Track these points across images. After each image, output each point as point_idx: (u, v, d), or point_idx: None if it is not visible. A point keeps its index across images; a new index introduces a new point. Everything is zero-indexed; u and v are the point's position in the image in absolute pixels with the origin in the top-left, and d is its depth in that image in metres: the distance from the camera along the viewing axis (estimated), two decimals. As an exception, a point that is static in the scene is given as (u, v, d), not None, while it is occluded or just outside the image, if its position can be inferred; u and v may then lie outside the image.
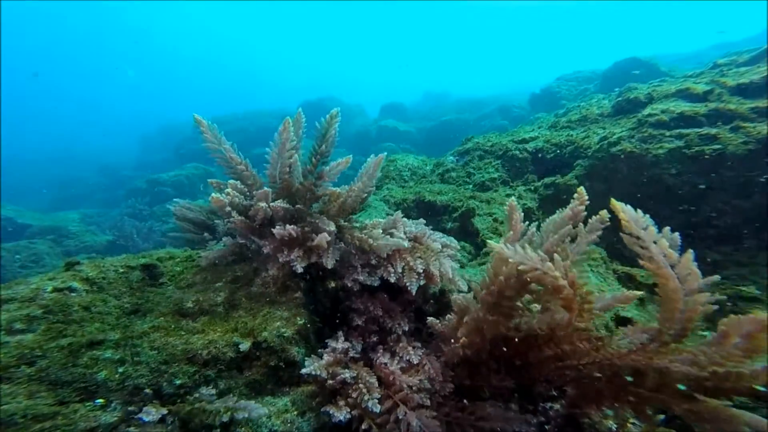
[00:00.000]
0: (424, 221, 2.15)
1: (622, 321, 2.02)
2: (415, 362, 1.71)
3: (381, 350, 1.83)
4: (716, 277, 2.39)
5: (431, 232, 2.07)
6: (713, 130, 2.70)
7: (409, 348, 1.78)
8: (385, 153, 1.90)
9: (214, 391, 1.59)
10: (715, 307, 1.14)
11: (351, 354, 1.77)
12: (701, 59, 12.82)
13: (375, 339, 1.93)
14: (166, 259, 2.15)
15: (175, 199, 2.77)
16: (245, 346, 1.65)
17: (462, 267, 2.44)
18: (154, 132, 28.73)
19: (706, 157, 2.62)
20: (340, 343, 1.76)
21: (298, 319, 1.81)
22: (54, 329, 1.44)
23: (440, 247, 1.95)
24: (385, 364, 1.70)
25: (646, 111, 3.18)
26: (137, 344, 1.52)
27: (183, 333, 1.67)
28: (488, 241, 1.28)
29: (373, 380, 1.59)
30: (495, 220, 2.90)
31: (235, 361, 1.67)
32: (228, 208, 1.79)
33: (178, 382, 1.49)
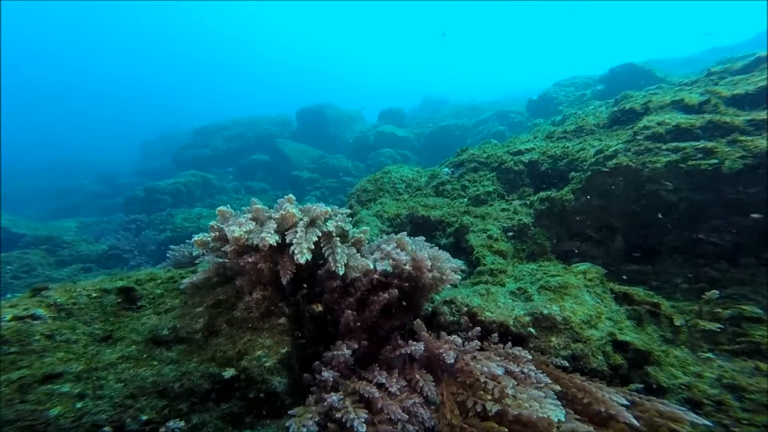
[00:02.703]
0: (424, 238, 2.15)
1: (620, 345, 1.93)
2: (416, 356, 1.72)
3: (377, 369, 1.75)
4: (714, 293, 2.29)
5: (439, 252, 2.08)
6: (710, 144, 2.64)
7: (407, 347, 1.74)
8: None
9: (182, 424, 1.50)
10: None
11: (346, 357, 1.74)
12: (696, 65, 12.84)
13: (368, 344, 1.88)
14: (146, 281, 2.06)
15: (171, 246, 2.81)
16: (223, 376, 1.57)
17: (455, 286, 2.36)
18: (155, 139, 28.76)
19: (703, 171, 2.56)
20: (343, 350, 1.73)
21: (281, 347, 1.73)
22: (6, 361, 1.35)
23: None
24: (383, 383, 1.63)
25: (642, 123, 3.12)
26: (102, 376, 1.44)
27: (155, 363, 1.58)
28: None
29: (374, 390, 1.56)
30: (489, 236, 2.82)
31: (211, 393, 1.58)
32: (212, 244, 1.79)
33: (144, 417, 1.40)
